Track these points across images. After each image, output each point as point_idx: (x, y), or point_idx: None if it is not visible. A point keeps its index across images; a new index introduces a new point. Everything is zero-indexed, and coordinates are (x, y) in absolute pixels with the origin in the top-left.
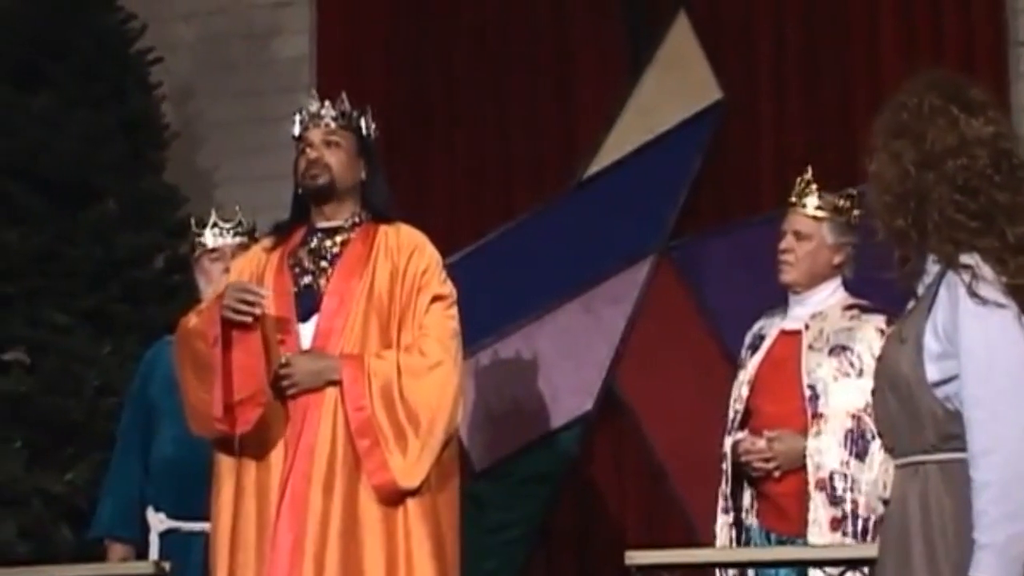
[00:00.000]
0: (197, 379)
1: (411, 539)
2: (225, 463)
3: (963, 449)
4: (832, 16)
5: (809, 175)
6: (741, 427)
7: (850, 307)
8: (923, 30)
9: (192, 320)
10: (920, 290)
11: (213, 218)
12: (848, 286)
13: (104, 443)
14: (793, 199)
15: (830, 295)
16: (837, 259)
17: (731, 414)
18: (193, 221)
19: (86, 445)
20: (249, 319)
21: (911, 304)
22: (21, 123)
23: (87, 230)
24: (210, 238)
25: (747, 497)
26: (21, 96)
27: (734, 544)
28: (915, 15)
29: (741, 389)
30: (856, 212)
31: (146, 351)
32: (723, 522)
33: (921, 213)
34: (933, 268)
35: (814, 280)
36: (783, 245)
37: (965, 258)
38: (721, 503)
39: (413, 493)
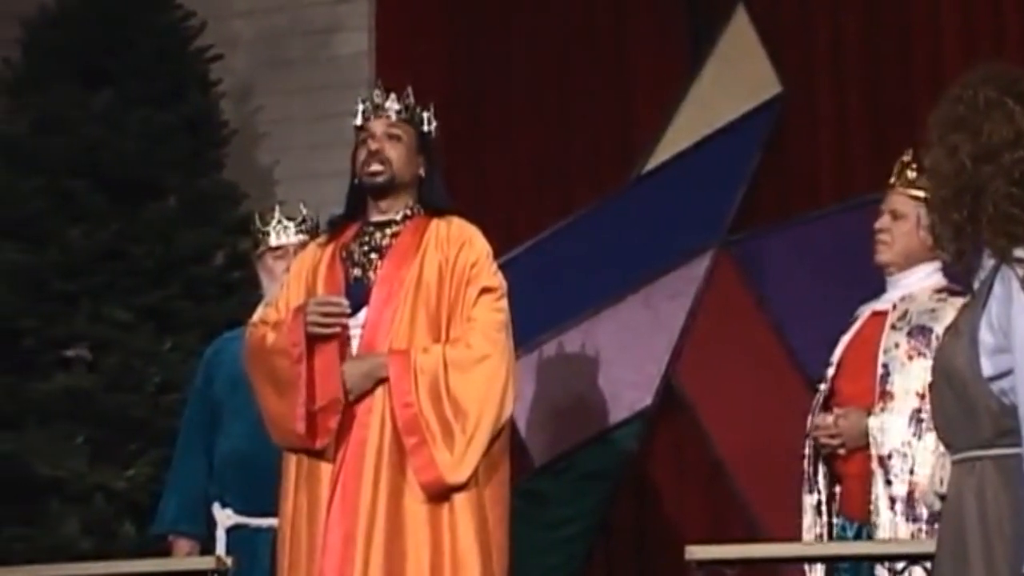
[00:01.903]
0: (277, 393)
1: (457, 534)
2: (291, 459)
3: (1019, 444)
4: (892, 7)
5: (910, 156)
6: (825, 408)
7: (941, 290)
8: (983, 22)
9: (269, 336)
10: (976, 284)
11: (277, 215)
12: (948, 272)
13: (165, 439)
14: (894, 180)
15: (924, 277)
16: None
17: (818, 396)
18: (257, 217)
19: (148, 441)
20: (336, 330)
21: (967, 298)
22: (83, 122)
23: (148, 228)
24: (273, 236)
25: (822, 479)
26: (82, 95)
27: (820, 525)
28: (976, 7)
29: (827, 371)
30: None
31: (207, 347)
32: (808, 503)
33: (977, 207)
34: (988, 262)
35: (909, 261)
36: (879, 224)
37: (1019, 252)
38: (805, 484)
39: (460, 488)
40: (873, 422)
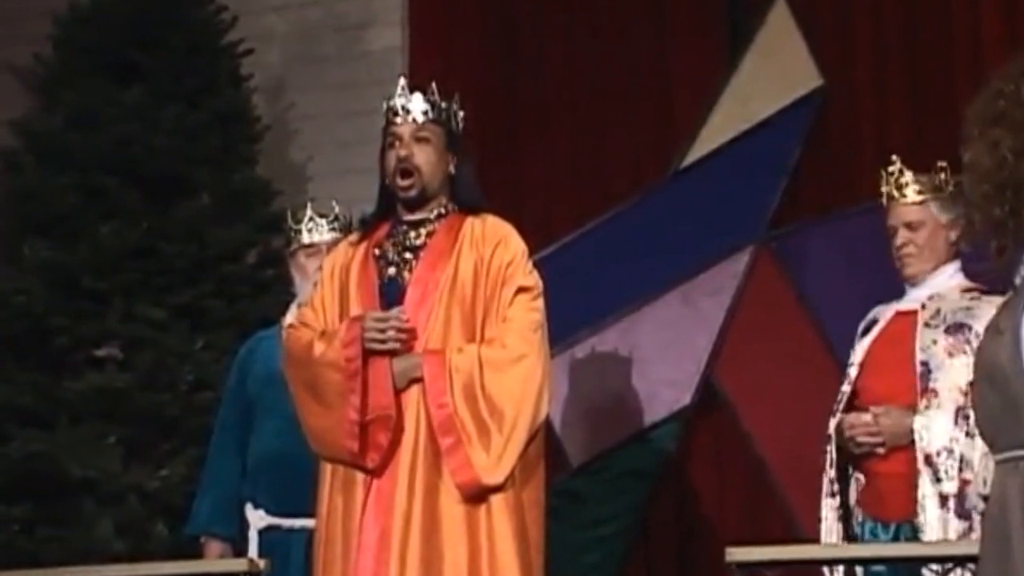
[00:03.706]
0: (321, 405)
1: (494, 536)
2: (327, 464)
3: None
4: None
5: (897, 165)
6: (847, 409)
7: (969, 289)
8: None
9: (317, 346)
10: (1017, 280)
11: (309, 213)
12: (966, 271)
13: (199, 439)
14: (893, 193)
15: (949, 277)
16: (953, 235)
17: (839, 396)
18: (289, 215)
19: (181, 441)
20: (396, 346)
21: (1008, 294)
22: (114, 117)
23: (181, 225)
24: (306, 234)
25: (851, 482)
26: (114, 90)
27: (840, 532)
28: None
29: (849, 371)
30: (952, 181)
31: (239, 346)
32: (828, 507)
33: (1018, 202)
34: None
35: (937, 264)
36: (899, 241)
37: None
38: (826, 487)
39: (496, 489)
40: (919, 420)
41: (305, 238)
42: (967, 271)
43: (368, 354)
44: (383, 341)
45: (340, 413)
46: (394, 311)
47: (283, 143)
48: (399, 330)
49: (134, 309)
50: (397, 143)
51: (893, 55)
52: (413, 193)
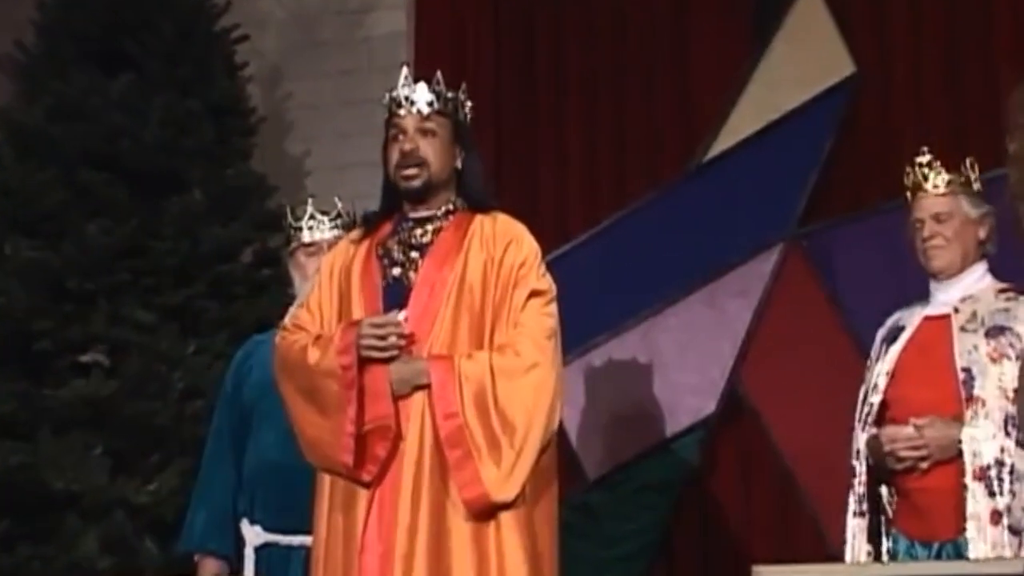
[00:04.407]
0: (319, 414)
1: (504, 555)
2: (325, 477)
3: None
4: None
5: (927, 157)
6: (877, 423)
7: (1004, 290)
8: None
9: (312, 353)
10: None
11: (310, 210)
12: (995, 272)
13: (191, 449)
14: (923, 184)
15: (979, 279)
16: (982, 232)
17: (864, 408)
18: (289, 211)
19: (171, 452)
20: (394, 354)
21: None
22: (101, 109)
23: (171, 222)
24: (306, 232)
25: (885, 498)
26: (100, 80)
27: (870, 554)
28: None
29: (878, 380)
30: (978, 179)
31: (234, 350)
32: (856, 527)
33: None
34: None
35: (966, 261)
36: (926, 232)
37: None
38: (853, 506)
39: (507, 506)
40: (967, 431)
41: (305, 236)
42: (992, 270)
43: (364, 361)
44: (383, 349)
45: (336, 423)
46: (392, 315)
47: (280, 135)
48: (399, 335)
49: (122, 311)
50: (401, 136)
51: (931, 39)
52: (418, 183)
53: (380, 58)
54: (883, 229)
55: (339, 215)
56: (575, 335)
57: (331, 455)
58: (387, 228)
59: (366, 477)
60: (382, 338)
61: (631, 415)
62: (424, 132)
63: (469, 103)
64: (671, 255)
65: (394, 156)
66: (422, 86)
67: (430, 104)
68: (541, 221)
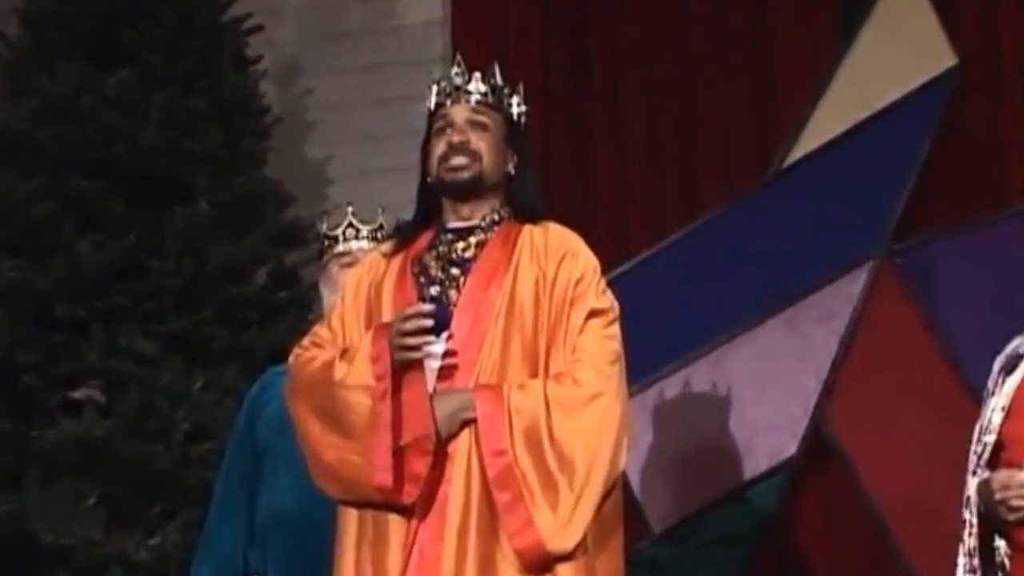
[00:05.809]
0: (343, 436)
1: None
2: (350, 516)
3: None
4: None
5: None
6: (990, 465)
7: None
8: None
9: (339, 368)
10: None
11: (349, 218)
12: None
13: (197, 498)
14: None
15: None
16: None
17: (977, 448)
18: (325, 219)
19: (175, 501)
20: (430, 342)
21: None
22: (93, 108)
23: (174, 237)
24: (342, 242)
25: (1003, 552)
26: (92, 76)
27: None
28: None
29: (992, 416)
30: None
31: (247, 384)
32: None
33: None
34: None
35: None
36: None
37: None
38: (963, 562)
39: (565, 557)
40: None
41: (340, 246)
42: None
43: (397, 369)
44: (414, 347)
45: (369, 442)
46: (413, 308)
47: (298, 137)
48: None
49: (118, 341)
50: (449, 128)
51: None
52: (467, 175)
53: (412, 50)
54: (990, 243)
55: (381, 227)
56: (637, 365)
57: (360, 479)
58: (424, 241)
59: (407, 499)
60: (414, 332)
61: (701, 457)
62: (475, 125)
63: (524, 107)
64: (746, 274)
65: (439, 148)
66: (476, 76)
67: (484, 95)
68: (597, 235)
